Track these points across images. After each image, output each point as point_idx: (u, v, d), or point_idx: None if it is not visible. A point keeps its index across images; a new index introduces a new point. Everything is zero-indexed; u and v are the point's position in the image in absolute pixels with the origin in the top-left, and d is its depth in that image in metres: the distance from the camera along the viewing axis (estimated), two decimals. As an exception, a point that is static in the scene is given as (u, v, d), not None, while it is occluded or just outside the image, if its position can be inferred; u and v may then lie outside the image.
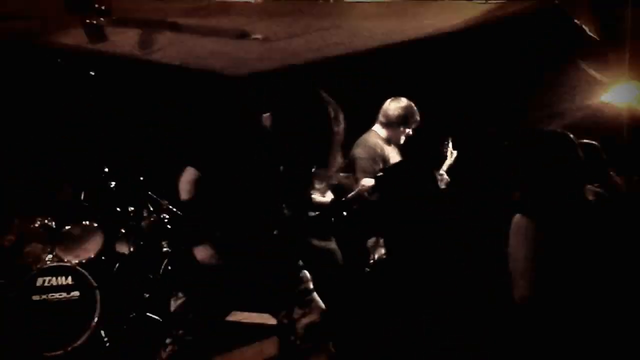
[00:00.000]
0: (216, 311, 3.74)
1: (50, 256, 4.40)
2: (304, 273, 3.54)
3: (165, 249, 4.78)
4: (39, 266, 4.31)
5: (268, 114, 3.39)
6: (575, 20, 4.21)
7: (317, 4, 4.58)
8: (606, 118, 4.10)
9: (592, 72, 4.27)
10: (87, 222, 4.59)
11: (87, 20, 4.49)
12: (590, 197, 2.85)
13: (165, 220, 4.82)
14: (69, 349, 4.17)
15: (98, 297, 4.30)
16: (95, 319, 4.27)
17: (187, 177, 3.46)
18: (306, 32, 5.22)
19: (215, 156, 3.45)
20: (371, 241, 4.13)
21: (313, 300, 3.49)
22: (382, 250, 4.09)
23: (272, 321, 4.21)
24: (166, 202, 4.83)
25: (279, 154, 3.35)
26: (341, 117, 3.21)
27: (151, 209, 4.86)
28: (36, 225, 4.44)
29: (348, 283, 4.07)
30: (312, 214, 3.98)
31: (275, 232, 3.56)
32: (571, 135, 2.85)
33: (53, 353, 4.15)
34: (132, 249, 4.72)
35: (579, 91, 4.34)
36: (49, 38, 5.09)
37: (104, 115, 5.52)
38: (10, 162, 4.76)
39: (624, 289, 2.87)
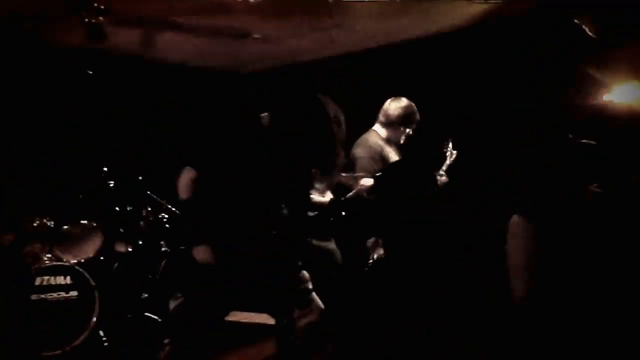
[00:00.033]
0: (215, 311, 3.74)
1: (48, 256, 4.38)
2: (303, 273, 3.54)
3: (164, 249, 4.77)
4: (37, 266, 4.28)
5: (268, 113, 3.39)
6: (575, 20, 4.21)
7: (317, 4, 4.58)
8: (607, 118, 4.09)
9: (593, 73, 4.27)
10: (86, 222, 4.58)
11: (87, 20, 4.48)
12: (589, 198, 2.85)
13: (165, 220, 4.81)
14: (68, 348, 4.15)
15: (97, 296, 4.29)
16: (94, 319, 4.26)
17: (186, 176, 3.46)
18: (306, 32, 5.22)
19: (215, 156, 3.44)
20: (370, 241, 4.12)
21: (312, 300, 3.49)
22: (382, 251, 4.08)
23: (272, 321, 4.20)
24: (165, 201, 4.82)
25: (279, 154, 3.34)
26: (342, 118, 3.20)
27: (150, 208, 4.84)
28: (35, 224, 4.42)
29: (347, 283, 4.07)
30: (311, 214, 3.97)
31: (274, 232, 3.56)
32: (569, 136, 2.84)
33: (51, 353, 4.13)
34: (131, 249, 4.71)
35: (579, 91, 4.33)
36: (48, 37, 5.09)
37: (103, 115, 5.52)
38: (9, 161, 4.75)
39: (622, 288, 2.87)
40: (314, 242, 4.01)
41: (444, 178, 4.37)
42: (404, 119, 4.29)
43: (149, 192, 4.85)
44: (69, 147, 5.18)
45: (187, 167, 3.34)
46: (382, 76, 5.26)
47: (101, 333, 4.34)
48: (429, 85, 4.92)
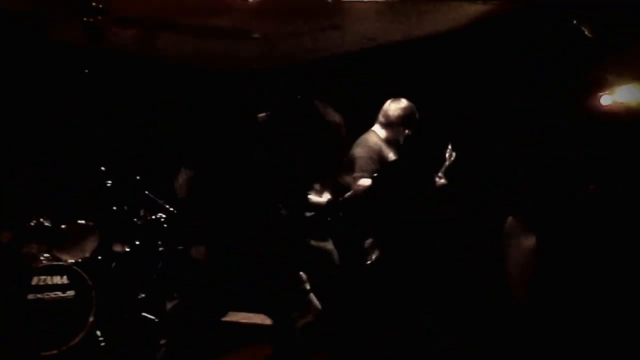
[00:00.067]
0: (212, 311, 3.73)
1: (46, 255, 4.37)
2: (301, 274, 3.53)
3: (161, 249, 4.76)
4: (34, 265, 4.28)
5: (267, 113, 3.38)
6: (575, 21, 4.20)
7: (317, 4, 4.57)
8: (606, 119, 4.08)
9: (592, 73, 4.25)
10: (84, 222, 4.57)
11: (86, 19, 4.47)
12: (586, 199, 2.84)
13: (162, 220, 4.79)
14: (65, 348, 4.15)
15: (94, 296, 4.28)
16: (91, 319, 4.25)
17: (184, 176, 3.45)
18: (306, 32, 5.21)
19: (214, 155, 3.44)
20: (369, 242, 4.10)
21: (310, 301, 3.47)
22: (377, 252, 4.06)
23: (269, 322, 4.19)
24: (163, 201, 4.81)
25: (278, 154, 3.33)
26: (342, 126, 3.19)
27: (148, 208, 4.83)
28: (32, 224, 4.42)
29: (345, 284, 4.05)
30: (308, 214, 3.96)
31: (272, 233, 3.54)
32: (567, 137, 2.83)
33: (48, 352, 4.13)
34: (128, 249, 4.70)
35: (579, 92, 4.32)
36: (47, 36, 5.08)
37: (101, 114, 5.51)
38: (6, 160, 4.75)
39: (620, 289, 2.86)
40: (312, 242, 3.99)
41: (442, 180, 4.35)
42: (404, 120, 4.27)
43: (147, 192, 4.84)
44: (67, 146, 5.17)
45: (185, 167, 3.33)
46: (382, 76, 5.25)
47: (98, 333, 4.33)
48: (429, 86, 4.91)
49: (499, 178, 4.19)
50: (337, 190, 4.07)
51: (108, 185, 4.75)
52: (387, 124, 4.29)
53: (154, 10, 4.65)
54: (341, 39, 5.39)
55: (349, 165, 4.13)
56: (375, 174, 3.93)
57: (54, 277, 4.27)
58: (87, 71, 4.65)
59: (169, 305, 4.47)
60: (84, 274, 4.31)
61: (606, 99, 4.17)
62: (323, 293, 3.62)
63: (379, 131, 4.33)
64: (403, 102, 4.29)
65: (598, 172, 3.62)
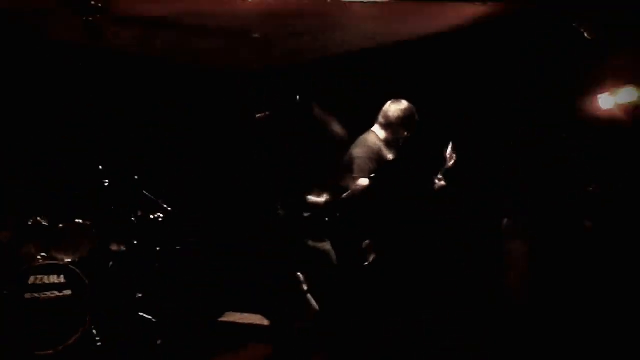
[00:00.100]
0: (210, 311, 3.72)
1: (43, 254, 4.37)
2: (298, 274, 3.52)
3: (158, 249, 4.75)
4: (31, 264, 4.28)
5: (266, 113, 3.37)
6: (575, 22, 4.18)
7: (317, 4, 4.56)
8: (606, 120, 4.07)
9: (592, 73, 4.24)
10: (81, 221, 4.57)
11: (85, 18, 4.46)
12: (583, 200, 2.83)
13: (160, 220, 4.79)
14: (61, 348, 4.15)
15: (90, 296, 4.26)
16: (88, 318, 4.24)
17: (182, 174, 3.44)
18: (306, 32, 5.20)
19: (214, 155, 3.43)
20: (367, 242, 4.09)
21: (307, 301, 3.47)
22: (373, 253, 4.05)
23: (266, 322, 4.18)
24: (161, 201, 4.80)
25: (278, 154, 3.33)
26: (344, 135, 3.18)
27: (146, 208, 4.82)
28: (29, 223, 4.41)
29: (343, 284, 4.03)
30: (306, 214, 3.94)
31: (270, 233, 3.54)
32: (566, 137, 2.81)
33: (44, 352, 4.12)
34: (125, 248, 4.69)
35: (579, 92, 4.30)
36: (46, 35, 5.07)
37: (100, 113, 5.50)
38: (4, 159, 4.74)
39: (620, 289, 2.84)
40: (310, 243, 3.98)
41: (442, 182, 4.34)
42: (403, 121, 4.27)
43: (144, 192, 4.83)
44: (65, 145, 5.16)
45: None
46: (382, 76, 5.24)
47: (94, 332, 4.31)
48: (428, 86, 4.90)
49: (498, 178, 4.18)
50: (336, 190, 4.06)
51: (106, 184, 4.74)
52: (387, 125, 4.29)
53: (153, 10, 4.64)
54: (341, 39, 5.37)
55: (348, 166, 4.12)
56: (373, 174, 3.92)
57: (51, 277, 4.28)
58: (80, 64, 4.62)
59: (167, 305, 4.48)
60: (80, 274, 4.31)
61: (606, 101, 4.16)
62: (321, 294, 3.62)
63: (378, 132, 4.32)
64: (403, 104, 4.28)
65: (598, 172, 3.61)
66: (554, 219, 3.18)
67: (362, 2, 4.50)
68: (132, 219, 4.74)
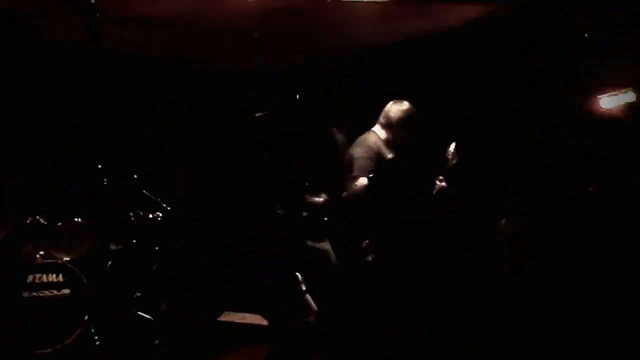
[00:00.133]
0: (208, 311, 3.71)
1: (41, 253, 4.36)
2: (297, 274, 3.52)
3: (157, 248, 4.74)
4: (30, 263, 4.27)
5: (266, 112, 3.37)
6: (575, 22, 4.19)
7: (317, 3, 4.56)
8: (606, 120, 4.07)
9: (592, 73, 4.24)
10: (80, 220, 4.55)
11: (85, 17, 4.46)
12: (581, 200, 2.83)
13: (159, 219, 4.78)
14: (59, 347, 4.13)
15: (89, 295, 4.25)
16: (86, 317, 4.22)
17: (180, 173, 3.44)
18: (306, 32, 5.20)
19: (213, 155, 3.42)
20: (366, 242, 4.08)
21: (306, 302, 3.46)
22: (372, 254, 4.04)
23: (265, 322, 4.17)
24: (160, 200, 4.79)
25: (277, 154, 3.33)
26: (343, 141, 3.18)
27: (145, 207, 4.82)
28: (28, 222, 4.41)
29: (342, 284, 4.03)
30: (305, 214, 3.93)
31: (269, 233, 3.54)
32: (565, 138, 2.81)
33: (43, 351, 4.11)
34: (124, 247, 4.68)
35: (579, 93, 4.31)
36: (47, 35, 5.07)
37: (99, 112, 5.49)
38: (3, 158, 4.74)
39: (620, 290, 2.84)
40: (309, 243, 3.97)
41: (443, 183, 4.33)
42: (404, 122, 4.26)
43: (144, 191, 4.83)
44: (64, 144, 5.16)
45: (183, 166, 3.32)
46: (382, 76, 5.24)
47: (93, 332, 4.30)
48: (428, 86, 4.90)
49: (498, 178, 4.17)
50: (335, 190, 4.05)
51: (105, 183, 4.73)
52: (387, 125, 4.28)
53: (153, 10, 4.64)
54: (341, 39, 5.38)
55: (348, 165, 4.11)
56: (370, 175, 3.92)
57: (50, 275, 4.26)
58: (80, 64, 4.62)
59: (165, 305, 4.47)
60: (79, 272, 4.29)
61: (606, 102, 4.16)
62: (320, 294, 3.61)
63: (379, 132, 4.31)
64: (405, 105, 4.28)
65: (598, 172, 3.61)
66: (554, 219, 3.18)
67: (363, 1, 4.51)
68: (132, 218, 4.73)
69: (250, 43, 5.37)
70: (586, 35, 4.17)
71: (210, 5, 4.56)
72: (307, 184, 3.90)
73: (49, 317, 4.18)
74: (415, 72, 5.11)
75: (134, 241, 4.69)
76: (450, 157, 4.40)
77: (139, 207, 4.79)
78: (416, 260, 4.00)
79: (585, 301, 3.20)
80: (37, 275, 4.23)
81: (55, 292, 4.23)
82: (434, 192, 4.24)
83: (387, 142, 4.29)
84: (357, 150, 4.18)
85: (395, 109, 4.28)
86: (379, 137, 4.29)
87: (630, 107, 3.97)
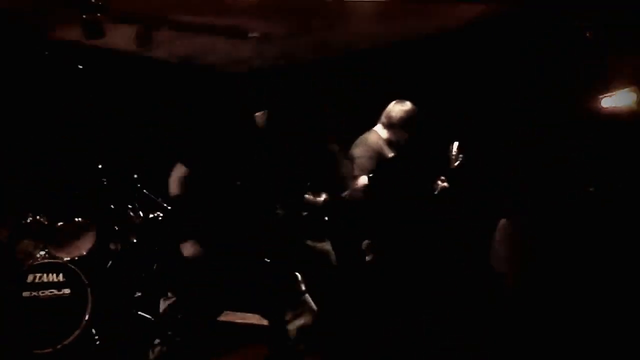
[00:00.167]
0: (208, 311, 3.71)
1: (42, 253, 4.36)
2: (296, 274, 3.51)
3: (158, 248, 4.74)
4: (30, 262, 4.27)
5: (265, 112, 3.37)
6: (576, 22, 4.19)
7: (317, 3, 4.56)
8: (606, 120, 4.07)
9: (592, 73, 4.24)
10: (80, 219, 4.55)
11: (84, 16, 4.46)
12: (580, 201, 2.83)
13: (159, 218, 4.78)
14: (59, 346, 4.12)
15: (89, 294, 4.25)
16: (86, 317, 4.22)
17: (178, 173, 3.44)
18: (305, 31, 5.20)
19: (213, 154, 3.43)
20: (366, 242, 4.08)
21: (305, 302, 3.46)
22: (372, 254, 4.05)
23: (265, 322, 4.16)
24: (161, 200, 4.79)
25: (277, 154, 3.32)
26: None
27: (145, 206, 4.82)
28: (29, 221, 4.41)
29: (342, 284, 4.03)
30: (305, 213, 3.93)
31: (269, 232, 3.53)
32: (564, 139, 2.82)
33: (43, 350, 4.10)
34: (125, 247, 4.68)
35: (579, 94, 4.31)
36: (45, 33, 5.07)
37: (99, 112, 5.50)
38: (3, 158, 4.74)
39: (620, 290, 2.84)
40: (309, 242, 3.97)
41: (445, 183, 4.33)
42: (406, 122, 4.26)
43: (144, 190, 4.83)
44: (65, 144, 5.16)
45: (179, 164, 3.31)
46: (382, 76, 5.24)
47: (93, 331, 4.30)
48: (428, 86, 4.90)
49: (498, 178, 4.17)
50: (336, 189, 4.05)
51: (105, 183, 4.73)
52: (389, 125, 4.28)
53: (153, 9, 4.65)
54: (341, 38, 5.38)
55: (348, 165, 4.11)
56: (369, 174, 3.91)
57: (50, 275, 4.25)
58: (80, 67, 4.64)
59: (164, 305, 4.47)
60: (79, 272, 4.28)
61: (606, 101, 4.16)
62: (320, 294, 3.60)
63: (380, 131, 4.31)
64: (407, 105, 4.27)
65: (598, 172, 3.61)
66: (554, 219, 3.18)
67: (362, 1, 4.51)
68: (132, 217, 4.73)
69: (250, 42, 5.38)
70: (586, 35, 4.17)
71: (210, 5, 4.56)
72: (308, 183, 3.89)
73: (49, 317, 4.17)
74: (415, 72, 5.11)
75: (134, 241, 4.70)
76: (452, 157, 4.40)
77: (139, 206, 4.79)
78: (416, 260, 4.00)
79: (585, 301, 3.21)
80: (38, 275, 4.22)
81: (55, 291, 4.23)
82: (436, 192, 4.24)
83: (389, 142, 4.29)
84: (358, 150, 4.19)
85: (397, 108, 4.27)
86: (380, 136, 4.29)
87: (631, 106, 3.97)
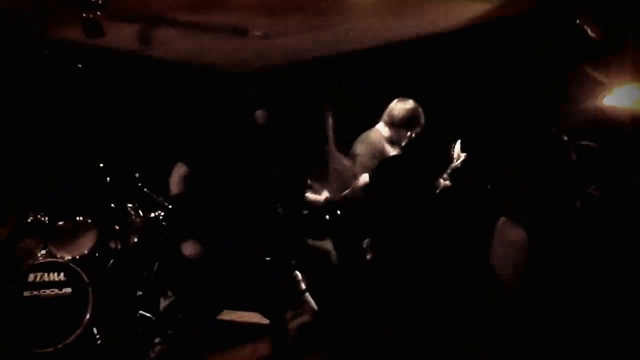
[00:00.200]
0: (208, 310, 3.71)
1: (43, 252, 4.36)
2: (297, 273, 3.52)
3: (159, 247, 4.74)
4: (31, 262, 4.27)
5: (265, 111, 3.37)
6: (577, 21, 4.19)
7: (317, 3, 4.56)
8: (608, 120, 4.07)
9: (594, 74, 4.24)
10: (81, 218, 4.55)
11: (85, 15, 4.46)
12: (579, 201, 2.83)
13: (160, 218, 4.78)
14: (60, 346, 4.12)
15: (90, 294, 4.25)
16: (87, 316, 4.22)
17: (178, 172, 3.44)
18: (306, 31, 5.20)
19: (213, 153, 3.43)
20: (367, 241, 4.08)
21: (306, 301, 3.46)
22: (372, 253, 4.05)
23: (265, 321, 4.17)
24: (162, 199, 4.80)
25: (277, 153, 3.33)
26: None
27: (146, 205, 4.82)
28: (29, 220, 4.41)
29: (343, 284, 4.03)
30: (306, 212, 3.94)
31: (269, 231, 3.53)
32: (565, 138, 2.82)
33: (44, 350, 4.10)
34: (125, 246, 4.68)
35: (580, 93, 4.31)
36: (45, 32, 5.07)
37: (100, 111, 5.50)
38: (3, 157, 4.74)
39: (620, 291, 2.84)
40: (309, 241, 3.97)
41: (447, 182, 4.33)
42: (408, 121, 4.26)
43: (145, 189, 4.83)
44: (66, 143, 5.16)
45: (179, 163, 3.32)
46: (382, 76, 5.25)
47: (94, 331, 4.30)
48: (428, 86, 4.90)
49: (498, 178, 4.17)
50: (336, 188, 4.05)
51: (106, 182, 4.73)
52: (391, 123, 4.28)
53: (153, 8, 4.65)
54: (341, 38, 5.38)
55: (350, 163, 4.12)
56: (370, 173, 3.92)
57: (51, 274, 4.25)
58: (80, 66, 4.63)
59: (164, 304, 4.47)
60: (80, 271, 4.28)
61: (607, 100, 4.16)
62: (320, 293, 3.61)
63: (382, 129, 4.32)
64: (409, 103, 4.27)
65: (597, 173, 3.61)
66: (554, 219, 3.19)
67: (362, 1, 4.51)
68: (133, 216, 4.73)
69: (250, 42, 5.38)
70: (587, 33, 4.16)
71: (210, 4, 4.56)
72: (308, 182, 3.90)
73: (50, 316, 4.17)
74: (415, 72, 5.12)
75: (135, 240, 4.70)
76: (455, 156, 4.40)
77: (140, 205, 4.79)
78: (417, 260, 4.00)
79: (585, 301, 3.21)
80: (38, 274, 4.22)
81: (56, 291, 4.22)
82: (437, 190, 4.25)
83: (391, 140, 4.29)
84: (360, 148, 4.19)
85: (400, 107, 4.27)
86: (382, 134, 4.30)
87: (631, 106, 3.97)
